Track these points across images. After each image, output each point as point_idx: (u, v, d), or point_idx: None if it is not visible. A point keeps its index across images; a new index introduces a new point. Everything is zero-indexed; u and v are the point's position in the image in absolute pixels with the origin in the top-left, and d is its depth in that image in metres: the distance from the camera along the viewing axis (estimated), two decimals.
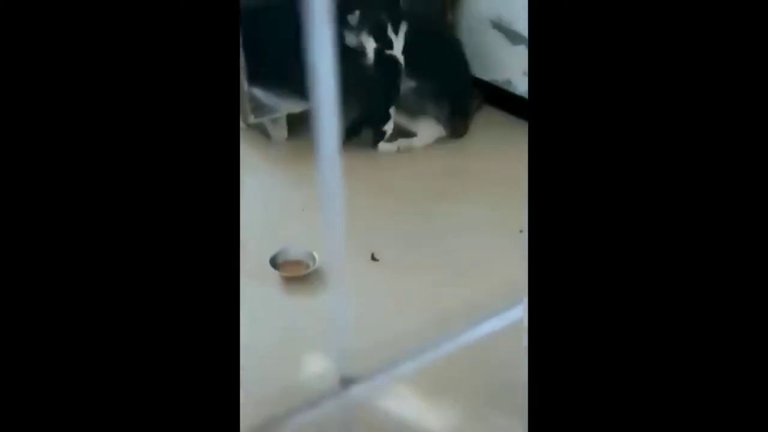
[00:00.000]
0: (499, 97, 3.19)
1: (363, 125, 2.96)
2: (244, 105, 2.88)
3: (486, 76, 3.26)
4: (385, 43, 2.85)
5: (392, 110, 2.94)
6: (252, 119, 2.92)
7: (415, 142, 2.97)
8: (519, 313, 1.60)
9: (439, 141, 3.00)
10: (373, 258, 2.28)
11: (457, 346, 1.69)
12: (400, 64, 2.87)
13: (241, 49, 2.73)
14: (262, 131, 3.07)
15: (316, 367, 1.92)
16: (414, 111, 2.98)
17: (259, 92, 3.02)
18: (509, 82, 3.14)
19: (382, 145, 2.95)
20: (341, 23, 2.83)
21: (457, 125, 2.99)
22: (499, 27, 3.11)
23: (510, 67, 3.07)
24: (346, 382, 1.52)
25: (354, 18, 2.83)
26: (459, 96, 3.02)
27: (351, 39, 2.88)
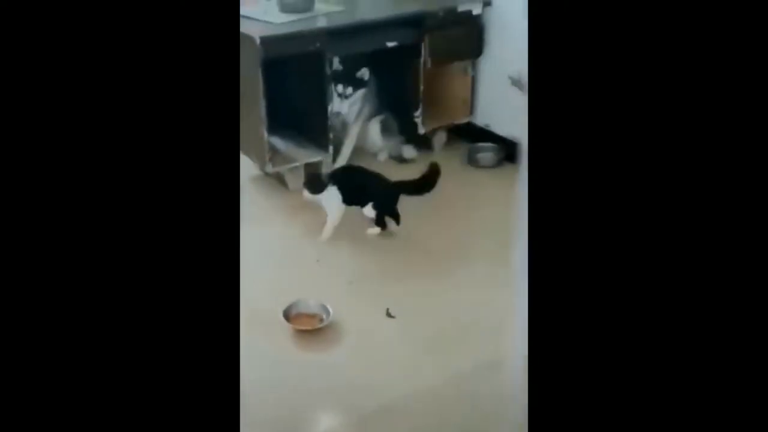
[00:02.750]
0: (517, 154, 3.18)
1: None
2: (263, 153, 2.88)
3: (505, 133, 3.26)
4: None
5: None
6: (270, 168, 2.92)
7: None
8: None
9: (458, 198, 2.99)
10: (389, 315, 2.24)
11: None
12: None
13: (262, 99, 2.75)
14: (280, 180, 3.07)
15: (329, 423, 1.87)
16: None
17: (278, 141, 3.02)
18: None
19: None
20: None
21: None
22: (519, 84, 3.12)
23: None
24: None
25: None
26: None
27: None
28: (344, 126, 3.27)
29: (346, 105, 3.27)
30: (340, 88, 3.21)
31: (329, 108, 2.97)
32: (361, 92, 3.29)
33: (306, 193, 2.65)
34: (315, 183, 2.65)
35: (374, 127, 3.24)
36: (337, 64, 3.16)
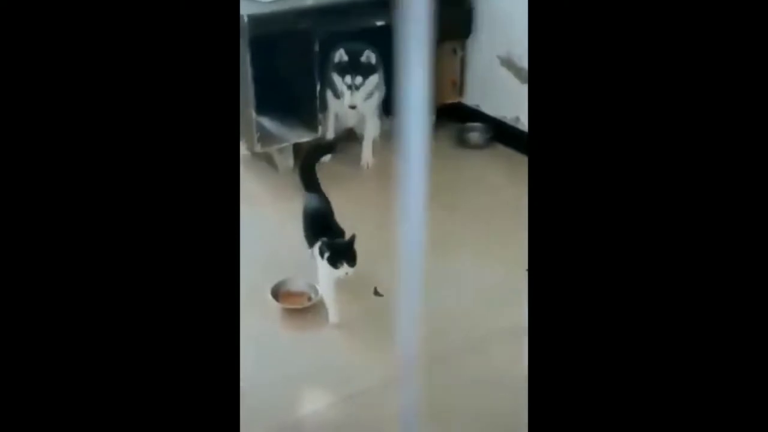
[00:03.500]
0: (507, 135, 3.18)
1: None
2: (251, 134, 2.87)
3: (494, 113, 3.26)
4: None
5: None
6: (258, 148, 2.91)
7: None
8: None
9: (448, 179, 2.98)
10: (377, 293, 2.24)
11: None
12: None
13: (250, 78, 2.73)
14: (269, 160, 3.06)
15: (316, 402, 1.88)
16: None
17: (266, 121, 3.01)
18: (518, 119, 3.13)
19: None
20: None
21: None
22: (508, 64, 3.12)
23: (519, 104, 3.07)
24: None
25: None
26: None
27: None
28: (362, 119, 3.09)
29: (360, 97, 2.93)
30: (348, 79, 2.90)
31: (320, 89, 2.95)
32: (374, 78, 2.94)
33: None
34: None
35: (377, 112, 3.15)
36: (342, 55, 2.90)
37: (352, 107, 2.96)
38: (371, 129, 3.09)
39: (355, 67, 2.90)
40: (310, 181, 2.37)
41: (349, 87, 2.92)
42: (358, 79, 2.90)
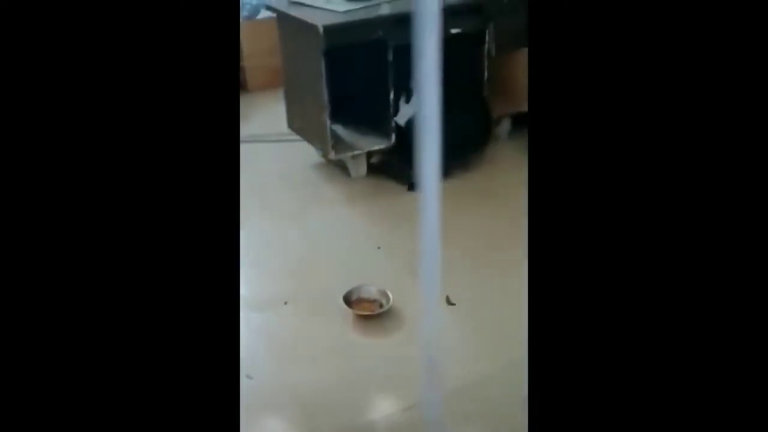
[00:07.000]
0: None
1: None
2: (326, 141, 2.90)
3: None
4: None
5: None
6: (333, 155, 2.95)
7: None
8: None
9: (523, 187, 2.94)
10: (449, 302, 2.23)
11: None
12: None
13: (325, 87, 2.77)
14: (342, 167, 3.09)
15: (386, 408, 1.88)
16: None
17: (340, 129, 3.05)
18: None
19: None
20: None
21: None
22: None
23: None
24: None
25: None
26: None
27: None
28: None
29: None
30: None
31: (391, 96, 2.96)
32: None
33: None
34: None
35: None
36: None
37: None
38: None
39: None
40: None
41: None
42: None
